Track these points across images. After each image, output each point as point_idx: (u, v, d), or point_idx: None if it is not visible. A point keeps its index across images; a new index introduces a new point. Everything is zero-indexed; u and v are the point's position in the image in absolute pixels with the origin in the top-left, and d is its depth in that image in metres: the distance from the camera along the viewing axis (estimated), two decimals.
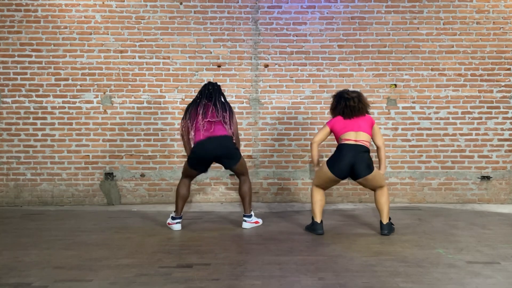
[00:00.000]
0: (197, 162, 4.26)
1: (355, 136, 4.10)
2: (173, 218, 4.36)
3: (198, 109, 4.27)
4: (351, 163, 4.02)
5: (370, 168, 4.03)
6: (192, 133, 4.26)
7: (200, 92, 4.39)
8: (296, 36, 5.66)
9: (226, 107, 4.33)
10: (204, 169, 4.37)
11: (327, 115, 5.63)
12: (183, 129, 4.35)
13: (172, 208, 5.34)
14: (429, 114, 5.66)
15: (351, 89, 5.59)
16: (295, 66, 5.67)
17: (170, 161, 5.66)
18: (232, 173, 5.65)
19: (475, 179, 5.68)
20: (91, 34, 5.59)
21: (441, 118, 5.67)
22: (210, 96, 4.32)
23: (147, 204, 5.63)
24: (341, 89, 4.51)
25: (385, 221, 4.13)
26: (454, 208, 5.36)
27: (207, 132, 4.20)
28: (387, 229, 4.11)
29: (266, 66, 5.66)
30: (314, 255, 3.52)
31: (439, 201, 5.68)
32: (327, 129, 4.25)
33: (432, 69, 5.65)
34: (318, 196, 4.23)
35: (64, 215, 5.08)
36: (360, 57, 5.65)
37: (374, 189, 4.18)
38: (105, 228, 4.43)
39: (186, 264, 3.31)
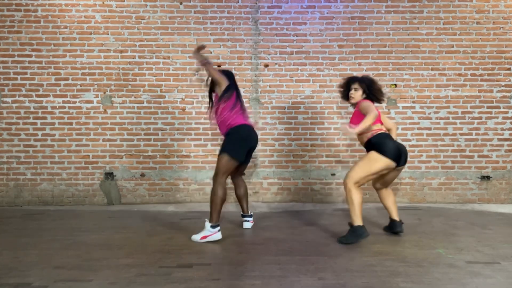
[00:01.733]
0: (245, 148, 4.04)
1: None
2: (213, 227, 3.92)
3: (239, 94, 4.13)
4: (399, 148, 3.84)
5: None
6: (232, 109, 4.04)
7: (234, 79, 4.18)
8: (296, 36, 5.66)
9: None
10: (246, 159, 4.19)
11: (327, 114, 5.65)
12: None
13: (170, 207, 5.35)
14: (429, 114, 5.66)
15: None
16: (295, 66, 5.67)
17: (170, 161, 5.66)
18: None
19: (475, 179, 5.68)
20: (91, 34, 5.59)
21: (441, 118, 5.66)
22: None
23: (147, 204, 5.63)
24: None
25: (398, 218, 4.13)
26: (454, 208, 5.36)
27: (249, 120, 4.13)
28: (401, 227, 4.10)
29: (266, 66, 5.66)
30: (314, 255, 3.52)
31: (439, 201, 5.68)
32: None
33: (432, 69, 5.65)
34: (359, 197, 3.81)
35: (64, 215, 5.07)
36: (360, 57, 5.64)
37: (388, 184, 4.14)
38: (105, 228, 4.43)
39: (186, 264, 3.31)
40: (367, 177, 3.84)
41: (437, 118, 5.66)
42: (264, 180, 5.72)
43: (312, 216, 4.93)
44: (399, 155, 3.83)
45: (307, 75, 5.67)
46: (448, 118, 5.66)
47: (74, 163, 5.63)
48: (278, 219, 4.82)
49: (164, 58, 5.62)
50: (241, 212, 4.47)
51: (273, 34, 5.65)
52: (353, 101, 4.05)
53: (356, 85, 4.02)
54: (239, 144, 3.97)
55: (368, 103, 3.89)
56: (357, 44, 5.65)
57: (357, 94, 4.02)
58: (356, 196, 3.80)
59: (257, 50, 5.65)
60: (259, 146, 5.66)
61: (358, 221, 3.81)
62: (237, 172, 4.33)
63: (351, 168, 3.88)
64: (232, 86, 4.06)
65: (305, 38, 5.65)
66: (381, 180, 4.09)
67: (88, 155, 5.64)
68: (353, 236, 3.82)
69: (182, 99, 5.61)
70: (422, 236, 4.06)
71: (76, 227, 4.49)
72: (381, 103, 4.13)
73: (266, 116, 5.68)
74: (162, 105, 5.63)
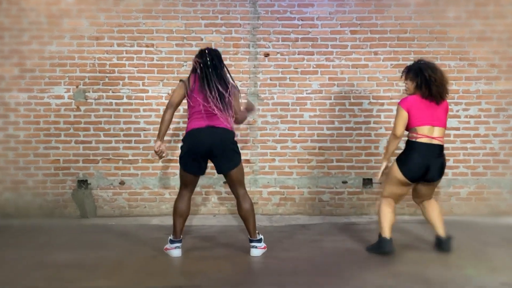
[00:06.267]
0: (189, 157, 4.01)
1: (430, 132, 4.03)
2: (171, 242, 4.13)
3: (205, 84, 3.97)
4: (426, 165, 3.99)
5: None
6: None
7: (204, 63, 4.03)
8: (302, 20, 5.69)
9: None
10: (198, 170, 4.07)
11: (338, 112, 5.68)
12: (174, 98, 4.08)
13: (154, 221, 5.38)
14: (457, 111, 5.69)
15: (374, 75, 5.63)
16: (300, 56, 5.71)
17: (154, 167, 5.69)
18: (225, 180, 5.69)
19: (511, 187, 5.71)
20: (61, 17, 5.62)
21: (471, 116, 5.70)
22: (215, 69, 4.04)
23: (127, 217, 5.65)
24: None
25: (444, 233, 4.21)
26: (486, 221, 5.38)
27: (207, 120, 4.01)
28: (447, 244, 4.17)
29: (267, 55, 5.69)
30: (322, 276, 3.55)
31: (468, 213, 5.69)
32: (404, 113, 4.03)
33: (460, 59, 5.69)
34: (385, 210, 4.15)
35: (31, 229, 5.09)
36: (377, 45, 5.68)
37: (424, 198, 4.26)
38: (78, 245, 4.45)
39: (173, 287, 3.34)
40: (390, 191, 4.14)
41: (466, 116, 5.70)
42: (264, 189, 5.75)
43: (320, 231, 4.96)
44: (422, 173, 3.98)
45: (314, 66, 5.71)
46: (479, 116, 5.70)
47: (41, 169, 5.66)
48: (280, 234, 4.85)
49: (147, 46, 5.66)
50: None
51: (274, 18, 5.69)
52: (408, 92, 4.16)
53: (410, 74, 4.12)
54: (183, 152, 4.06)
55: (397, 109, 4.07)
56: (372, 30, 5.68)
57: (409, 85, 4.12)
58: (382, 209, 4.14)
59: (255, 37, 5.68)
60: (257, 150, 5.70)
61: (384, 232, 4.09)
62: (229, 185, 4.20)
63: None
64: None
65: (312, 23, 5.69)
66: (416, 193, 4.28)
67: (58, 160, 5.66)
68: (377, 246, 4.14)
69: (168, 94, 5.63)
70: (448, 254, 4.09)
71: (45, 244, 4.51)
72: (437, 102, 4.05)
73: (267, 114, 5.72)
74: (144, 101, 5.67)
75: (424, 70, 3.99)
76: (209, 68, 3.99)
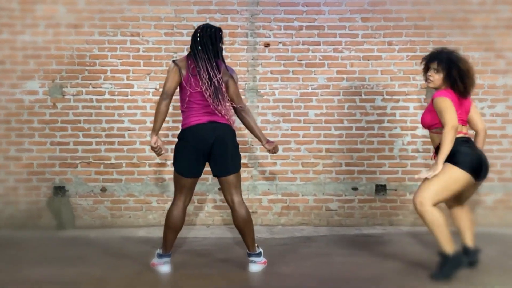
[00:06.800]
0: (191, 156, 3.96)
1: (461, 129, 3.99)
2: (159, 256, 4.12)
3: (202, 66, 3.90)
4: (480, 158, 3.93)
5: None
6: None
7: (202, 37, 3.96)
8: (307, 6, 5.69)
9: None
10: (199, 171, 4.05)
11: (347, 110, 5.67)
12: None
13: (140, 232, 5.36)
14: (482, 108, 5.68)
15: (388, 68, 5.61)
16: (305, 46, 5.70)
17: (140, 171, 5.68)
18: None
19: None
20: (35, 3, 5.61)
21: (497, 114, 5.69)
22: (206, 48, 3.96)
23: (109, 228, 5.63)
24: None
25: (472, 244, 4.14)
26: None
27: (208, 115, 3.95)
28: (475, 256, 4.11)
29: (267, 45, 5.69)
30: None
31: (495, 223, 5.67)
32: (451, 102, 3.88)
33: (486, 50, 5.68)
34: (441, 217, 3.84)
35: (0, 242, 5.08)
36: (391, 34, 5.68)
37: (463, 202, 4.22)
38: (55, 260, 4.43)
39: None
40: (443, 196, 3.89)
41: (492, 114, 5.69)
42: (264, 197, 5.74)
43: (327, 244, 4.95)
44: (479, 167, 3.89)
45: (321, 58, 5.71)
46: (507, 114, 5.70)
47: (13, 174, 5.64)
48: (283, 247, 4.84)
49: (132, 35, 5.65)
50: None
51: (275, 4, 5.68)
52: (431, 85, 4.07)
53: (435, 65, 4.00)
54: (181, 152, 4.01)
55: (444, 101, 3.90)
56: (386, 17, 5.68)
57: (436, 77, 4.01)
58: (437, 216, 3.80)
59: (254, 25, 5.68)
60: (256, 152, 5.69)
61: (449, 247, 3.81)
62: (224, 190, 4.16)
63: (421, 184, 3.95)
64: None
65: (318, 9, 5.68)
66: (455, 197, 4.14)
67: (32, 164, 5.65)
68: (451, 267, 3.82)
69: (155, 89, 5.63)
70: (474, 270, 4.06)
71: (17, 258, 4.49)
72: (466, 96, 4.00)
73: (267, 111, 5.71)
74: (129, 97, 5.66)
75: (458, 62, 3.91)
76: (198, 47, 3.92)
